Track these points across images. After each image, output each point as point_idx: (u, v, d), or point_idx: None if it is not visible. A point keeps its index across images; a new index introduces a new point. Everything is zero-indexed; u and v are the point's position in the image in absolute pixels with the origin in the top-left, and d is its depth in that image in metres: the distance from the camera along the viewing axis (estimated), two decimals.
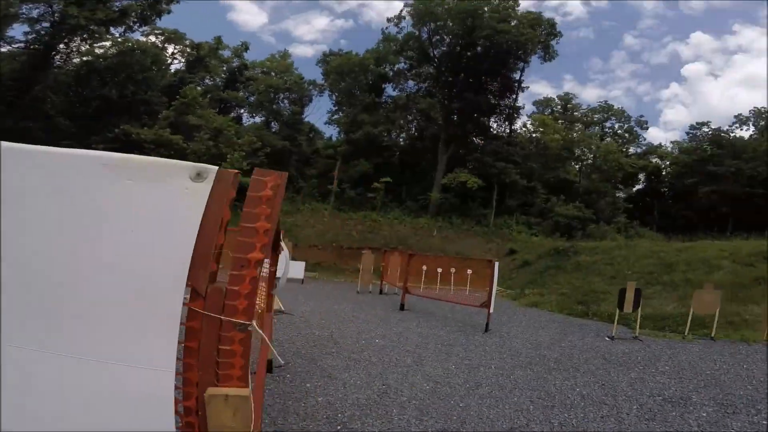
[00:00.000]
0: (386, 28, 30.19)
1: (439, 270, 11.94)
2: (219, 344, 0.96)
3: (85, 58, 24.59)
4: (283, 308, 8.73)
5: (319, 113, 42.20)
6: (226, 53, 33.05)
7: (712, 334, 7.60)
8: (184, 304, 0.93)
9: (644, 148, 37.35)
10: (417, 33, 28.09)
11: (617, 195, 32.67)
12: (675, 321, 8.50)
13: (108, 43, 25.09)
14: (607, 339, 7.63)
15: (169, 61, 30.90)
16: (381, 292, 13.47)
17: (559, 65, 70.22)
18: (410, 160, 31.68)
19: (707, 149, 32.28)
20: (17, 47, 21.95)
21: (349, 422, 3.57)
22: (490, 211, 26.22)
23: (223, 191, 0.93)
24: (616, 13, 65.24)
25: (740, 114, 34.53)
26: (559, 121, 30.97)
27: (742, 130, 33.85)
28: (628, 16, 66.29)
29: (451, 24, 26.83)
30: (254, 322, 0.98)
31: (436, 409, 3.98)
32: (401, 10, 29.22)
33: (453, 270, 12.32)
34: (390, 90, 32.59)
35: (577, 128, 31.97)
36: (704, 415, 3.95)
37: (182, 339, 0.97)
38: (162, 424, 0.92)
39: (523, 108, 33.14)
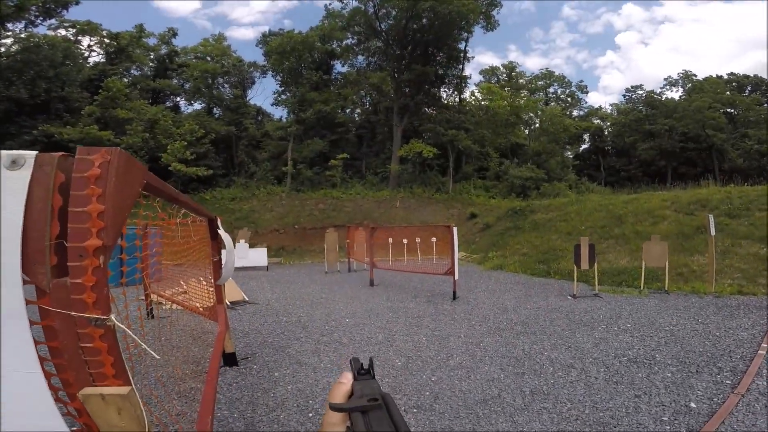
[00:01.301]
0: (330, 4, 29.29)
1: (405, 241, 11.91)
2: (80, 342, 0.92)
3: None
4: (246, 298, 8.38)
5: (264, 95, 40.59)
6: (152, 41, 30.43)
7: (666, 288, 7.94)
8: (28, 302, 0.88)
9: (586, 110, 39.95)
10: (363, 8, 27.17)
11: (566, 155, 34.54)
12: (630, 275, 8.89)
13: (9, 41, 22.03)
14: (569, 298, 7.89)
15: (86, 54, 27.78)
16: (350, 270, 13.31)
17: (503, 36, 72.26)
18: (367, 134, 31.21)
19: (642, 110, 34.97)
20: None
21: (322, 408, 3.43)
22: (448, 179, 26.54)
23: (46, 177, 0.87)
24: None
25: (670, 77, 37.10)
26: (506, 89, 31.74)
27: (672, 91, 36.49)
28: None
29: None
30: (113, 316, 0.93)
31: (409, 385, 3.90)
32: None
33: (418, 240, 12.35)
34: (339, 67, 31.84)
35: (522, 95, 32.95)
36: (669, 375, 3.91)
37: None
38: (48, 425, 0.90)
39: (470, 78, 33.72)
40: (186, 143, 23.85)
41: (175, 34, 30.96)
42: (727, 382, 3.66)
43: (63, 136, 21.00)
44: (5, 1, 19.83)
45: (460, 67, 30.41)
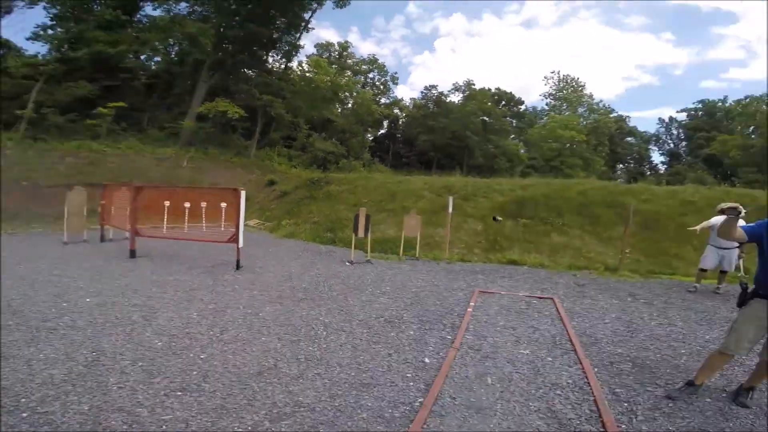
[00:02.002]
0: None
1: (187, 205, 10.54)
2: None
3: None
4: None
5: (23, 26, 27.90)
6: None
7: (417, 255, 9.83)
8: None
9: (391, 100, 45.01)
10: None
11: (367, 136, 38.23)
12: (395, 244, 10.55)
13: None
14: (347, 264, 8.78)
15: None
16: (102, 239, 10.82)
17: (350, 17, 73.40)
18: (162, 86, 25.86)
19: (430, 107, 42.21)
20: None
21: (41, 405, 2.81)
22: (252, 143, 25.04)
23: None
24: None
25: (456, 82, 45.99)
26: (333, 66, 32.26)
27: (456, 95, 45.19)
28: None
29: None
30: None
31: (171, 366, 3.52)
32: None
33: (204, 204, 11.16)
34: (150, 10, 25.21)
35: (347, 75, 34.26)
36: (412, 333, 4.54)
37: None
38: None
39: (303, 47, 32.64)
40: None
41: None
42: (449, 337, 4.45)
43: None
44: None
45: (297, 35, 29.00)
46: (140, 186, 9.49)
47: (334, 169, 24.32)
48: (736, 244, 6.84)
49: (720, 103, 48.77)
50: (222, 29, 25.18)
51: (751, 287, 3.15)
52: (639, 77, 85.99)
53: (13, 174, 16.65)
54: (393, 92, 46.26)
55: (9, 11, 22.11)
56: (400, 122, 45.26)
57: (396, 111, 44.88)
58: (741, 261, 7.34)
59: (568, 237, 10.69)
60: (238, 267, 7.93)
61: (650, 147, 56.39)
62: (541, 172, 30.85)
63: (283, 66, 30.88)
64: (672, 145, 55.75)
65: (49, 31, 22.39)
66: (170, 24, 24.26)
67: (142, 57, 25.37)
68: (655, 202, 12.11)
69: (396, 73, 46.05)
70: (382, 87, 43.83)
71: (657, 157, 57.15)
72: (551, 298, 6.27)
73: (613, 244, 10.29)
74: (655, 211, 11.52)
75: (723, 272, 7.10)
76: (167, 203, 10.24)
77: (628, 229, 8.61)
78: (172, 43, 26.74)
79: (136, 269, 7.47)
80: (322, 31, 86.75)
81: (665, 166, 53.01)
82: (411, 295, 6.31)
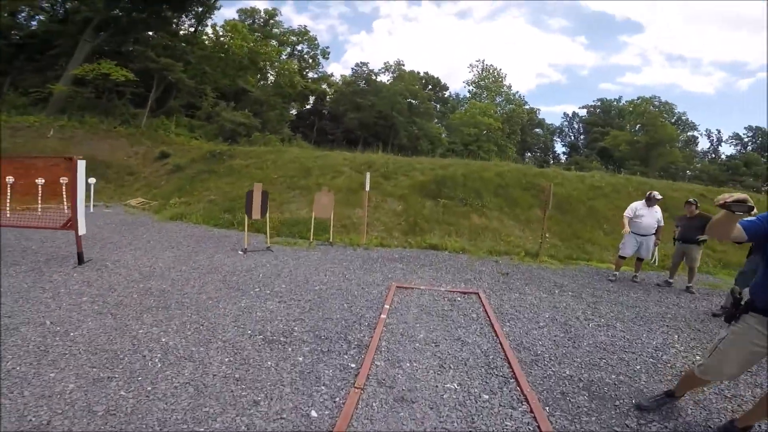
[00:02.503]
0: None
1: (10, 179, 7.80)
2: None
3: None
4: None
5: None
6: None
7: (330, 240, 8.43)
8: None
9: (320, 74, 42.02)
10: None
11: (290, 111, 35.32)
12: (305, 226, 9.05)
13: None
14: (240, 253, 7.10)
15: None
16: None
17: None
18: (35, 45, 20.28)
19: (359, 85, 40.26)
20: None
21: None
22: (142, 111, 21.04)
23: None
24: None
25: (387, 62, 44.34)
26: (257, 34, 28.47)
27: (386, 75, 43.74)
28: None
29: None
30: None
31: None
32: None
33: (42, 181, 8.43)
34: None
35: (271, 44, 30.53)
36: (300, 359, 3.28)
37: None
38: None
39: (219, 9, 28.34)
40: None
41: None
42: (352, 366, 3.22)
43: None
44: None
45: None
46: None
47: (243, 142, 21.51)
48: (653, 231, 6.67)
49: (615, 102, 54.62)
50: None
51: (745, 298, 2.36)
52: (550, 75, 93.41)
53: None
54: (323, 67, 43.59)
55: None
56: (327, 98, 42.75)
57: (324, 87, 42.15)
58: (656, 249, 7.27)
59: (488, 219, 10.21)
60: (80, 261, 5.84)
61: (554, 138, 61.65)
62: (459, 156, 31.39)
63: (192, 29, 26.75)
64: (572, 138, 61.55)
65: None
66: None
67: (21, 15, 19.62)
68: (566, 186, 12.29)
69: (327, 47, 43.02)
70: (311, 60, 40.78)
71: (559, 148, 62.81)
72: (476, 293, 5.40)
73: (531, 227, 10.03)
74: (567, 195, 11.65)
75: (640, 260, 6.92)
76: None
77: (547, 212, 8.21)
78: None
79: None
80: (258, 2, 79.18)
81: (566, 156, 58.38)
82: (312, 296, 4.96)
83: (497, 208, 10.79)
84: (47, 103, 19.26)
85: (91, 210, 11.98)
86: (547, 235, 8.62)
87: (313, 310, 4.46)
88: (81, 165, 5.79)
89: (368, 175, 8.66)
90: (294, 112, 39.30)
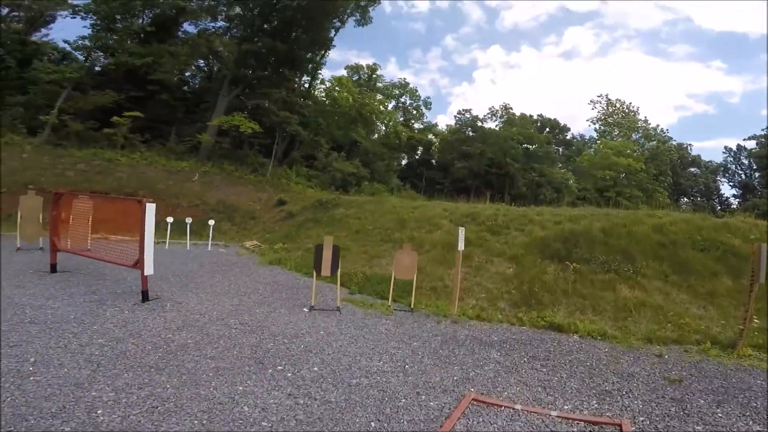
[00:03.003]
0: None
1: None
2: None
3: None
4: None
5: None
6: None
7: (412, 305, 6.96)
8: None
9: (426, 125, 42.48)
10: None
11: (401, 161, 36.27)
12: (388, 285, 7.80)
13: None
14: (304, 310, 6.23)
15: None
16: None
17: (387, 49, 74.70)
18: (192, 99, 25.86)
19: (465, 132, 39.45)
20: None
21: None
22: (268, 161, 23.67)
23: None
24: (446, 14, 76.52)
25: (493, 107, 43.01)
26: (363, 87, 31.32)
27: (493, 121, 42.34)
28: (454, 19, 77.65)
29: None
30: None
31: None
32: None
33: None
34: (188, 26, 25.98)
35: (378, 97, 32.98)
36: None
37: None
38: None
39: (325, 64, 32.45)
40: None
41: None
42: None
43: None
44: None
45: (322, 53, 28.38)
46: (60, 192, 7.66)
47: (353, 191, 22.11)
48: None
49: None
50: (242, 44, 24.88)
51: None
52: (692, 106, 78.33)
53: (24, 178, 16.10)
54: (427, 118, 43.92)
55: (48, 20, 22.93)
56: (434, 148, 42.80)
57: (430, 137, 42.44)
58: None
59: (645, 291, 7.33)
60: (144, 299, 5.70)
61: (718, 178, 49.46)
62: (593, 204, 26.99)
63: (307, 84, 30.15)
64: (743, 176, 48.47)
65: (86, 42, 22.89)
66: (198, 39, 24.21)
67: (174, 71, 25.23)
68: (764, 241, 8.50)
69: (429, 97, 44.05)
70: (414, 112, 42.07)
71: (726, 190, 49.91)
72: (618, 425, 3.26)
73: (717, 303, 6.86)
74: None
75: None
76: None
77: (756, 285, 5.29)
78: (203, 60, 26.76)
79: (35, 286, 5.80)
80: (362, 60, 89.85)
81: (738, 199, 45.84)
82: (340, 394, 3.55)
83: (659, 275, 7.77)
84: (199, 151, 23.01)
85: (209, 248, 13.04)
86: (755, 319, 5.58)
87: (323, 421, 3.07)
88: (150, 208, 5.76)
89: (461, 231, 7.05)
90: (404, 162, 39.89)
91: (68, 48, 23.86)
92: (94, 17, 22.60)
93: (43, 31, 23.93)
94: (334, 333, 5.25)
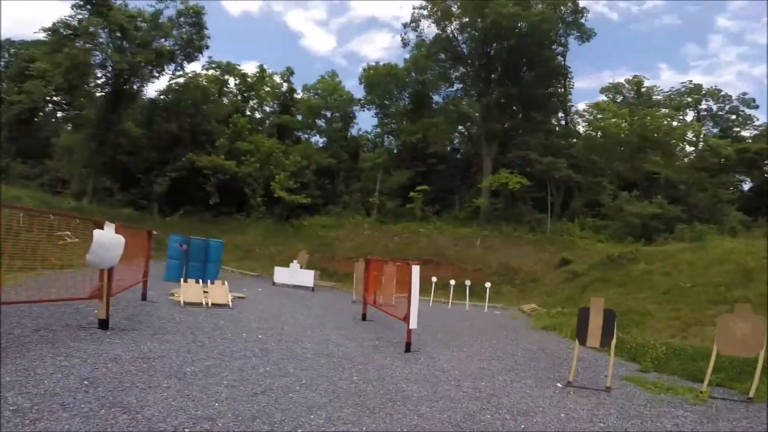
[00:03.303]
0: (404, 33, 28.74)
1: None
2: None
3: (148, 97, 29.01)
4: (229, 304, 8.84)
5: (367, 127, 42.38)
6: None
7: (751, 393, 4.48)
8: None
9: (758, 131, 27.72)
10: (442, 34, 26.41)
11: (740, 186, 25.31)
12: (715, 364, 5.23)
13: (164, 84, 29.06)
14: (558, 386, 5.12)
15: (229, 91, 34.01)
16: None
17: (650, 54, 60.61)
18: (461, 165, 29.46)
19: None
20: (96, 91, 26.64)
21: None
22: (545, 216, 22.44)
23: None
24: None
25: None
26: (634, 106, 25.69)
27: None
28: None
29: (466, 18, 24.92)
30: None
31: None
32: (413, 13, 27.98)
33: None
34: (437, 98, 31.28)
35: (662, 113, 25.90)
36: None
37: None
38: None
39: (571, 93, 29.29)
40: (290, 173, 26.33)
41: (292, 73, 34.70)
42: None
43: (200, 163, 25.91)
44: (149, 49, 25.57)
45: (563, 83, 26.60)
46: (368, 259, 10.07)
47: (663, 239, 17.09)
48: None
49: None
50: (480, 99, 25.51)
51: None
52: None
53: (364, 250, 22.26)
54: (755, 119, 29.05)
55: (352, 116, 32.08)
56: None
57: None
58: None
59: None
60: (407, 350, 6.41)
61: None
62: None
63: (563, 122, 27.23)
64: None
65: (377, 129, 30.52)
66: (447, 106, 27.17)
67: (440, 142, 28.88)
68: None
69: (745, 93, 29.12)
70: (733, 117, 29.06)
71: None
72: None
73: None
74: None
75: None
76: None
77: None
78: (459, 126, 29.38)
79: (349, 328, 7.60)
80: (616, 77, 72.25)
81: None
82: None
83: None
84: (478, 214, 24.67)
85: (485, 310, 13.35)
86: None
87: None
88: (415, 270, 6.59)
89: None
90: (747, 186, 27.04)
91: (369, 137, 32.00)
92: (375, 107, 30.10)
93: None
94: (580, 418, 3.96)
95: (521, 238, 21.31)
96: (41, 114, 28.63)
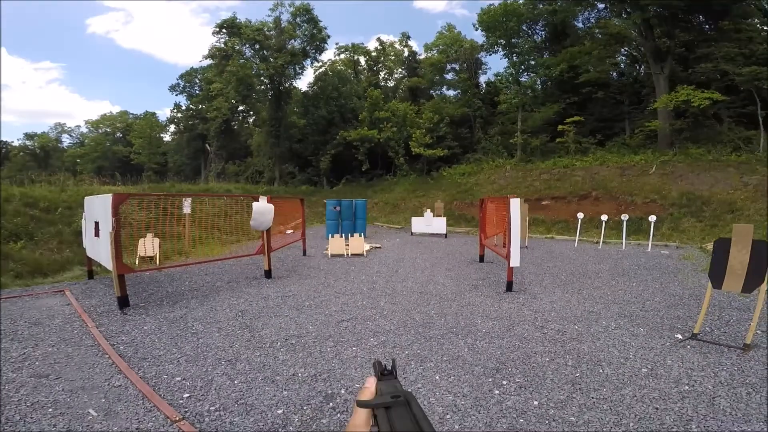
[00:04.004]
0: None
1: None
2: None
3: (302, 91, 33.51)
4: (364, 253, 9.99)
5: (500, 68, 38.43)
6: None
7: None
8: None
9: None
10: None
11: None
12: None
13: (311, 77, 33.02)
14: (677, 337, 4.23)
15: (362, 68, 36.66)
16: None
17: None
18: (628, 88, 24.09)
19: None
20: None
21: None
22: (755, 133, 16.32)
23: None
24: None
25: None
26: None
27: None
28: None
29: None
30: None
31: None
32: None
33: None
34: (579, 24, 25.91)
35: None
36: None
37: None
38: None
39: None
40: (425, 130, 27.09)
41: (408, 37, 35.41)
42: None
43: (351, 136, 29.21)
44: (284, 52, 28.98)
45: None
46: (483, 199, 9.77)
47: None
48: None
49: None
50: (633, 14, 19.18)
51: None
52: None
53: (507, 191, 21.46)
54: None
55: (478, 63, 29.15)
56: None
57: None
58: None
59: None
60: (508, 288, 6.39)
61: None
62: None
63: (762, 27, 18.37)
64: None
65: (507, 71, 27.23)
66: (594, 28, 21.56)
67: (590, 69, 23.85)
68: None
69: None
70: None
71: None
72: None
73: None
74: None
75: None
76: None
77: None
78: (610, 48, 23.36)
79: (446, 271, 8.02)
80: None
81: None
82: None
83: None
84: (656, 140, 20.02)
85: (648, 249, 11.21)
86: None
87: None
88: (514, 203, 6.19)
89: None
90: None
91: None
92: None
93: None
94: (668, 377, 3.27)
95: (718, 161, 16.24)
96: (234, 123, 36.85)
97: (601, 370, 3.45)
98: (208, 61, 32.15)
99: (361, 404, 0.54)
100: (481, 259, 9.30)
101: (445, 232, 15.00)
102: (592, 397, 2.98)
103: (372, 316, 4.97)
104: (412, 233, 15.66)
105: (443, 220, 15.40)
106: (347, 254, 10.26)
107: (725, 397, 2.94)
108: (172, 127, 45.14)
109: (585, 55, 23.20)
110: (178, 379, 3.39)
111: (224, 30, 29.68)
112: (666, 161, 17.71)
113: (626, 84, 24.37)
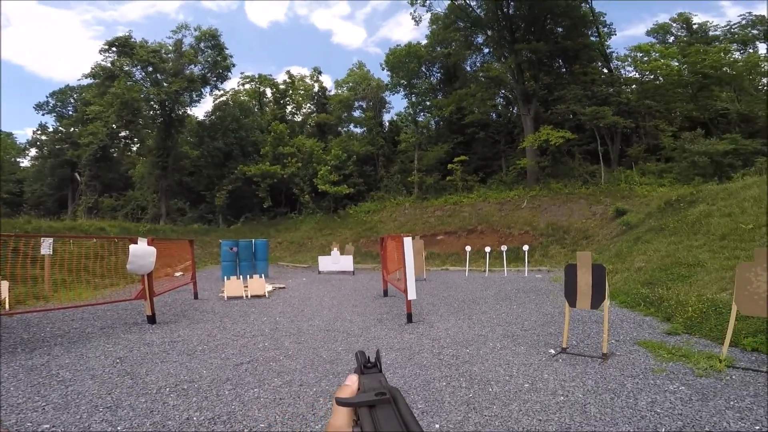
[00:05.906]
0: (414, 10, 27.03)
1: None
2: None
3: (198, 119, 31.68)
4: (266, 295, 9.67)
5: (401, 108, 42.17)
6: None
7: None
8: None
9: None
10: (454, 2, 24.78)
11: None
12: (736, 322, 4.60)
13: (210, 106, 31.63)
14: (551, 352, 4.93)
15: (268, 100, 36.31)
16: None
17: None
18: (504, 129, 28.12)
19: None
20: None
21: None
22: (598, 168, 20.58)
23: None
24: None
25: None
26: (693, 45, 22.31)
27: None
28: None
29: None
30: None
31: None
32: None
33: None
34: (468, 68, 30.01)
35: (718, 47, 21.99)
36: None
37: None
38: None
39: (609, 39, 26.88)
40: (331, 167, 27.38)
41: (320, 72, 36.18)
42: None
43: (249, 172, 27.93)
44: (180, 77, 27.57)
45: (597, 30, 24.45)
46: (383, 237, 10.22)
47: (740, 177, 14.75)
48: None
49: None
50: (504, 59, 23.78)
51: None
52: None
53: (407, 228, 22.60)
54: None
55: (382, 102, 31.93)
56: None
57: None
58: None
59: None
60: (409, 320, 6.65)
61: None
62: None
63: (605, 69, 24.87)
64: None
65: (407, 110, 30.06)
66: (475, 74, 25.77)
67: (474, 111, 27.48)
68: None
69: None
70: None
71: None
72: None
73: None
74: None
75: None
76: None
77: None
78: (492, 92, 27.75)
79: (352, 307, 8.02)
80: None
81: None
82: None
83: None
84: (525, 177, 23.52)
85: (525, 275, 12.85)
86: None
87: None
88: (407, 242, 6.60)
89: None
90: None
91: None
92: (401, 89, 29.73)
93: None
94: (544, 389, 3.78)
95: (572, 194, 19.83)
96: (113, 150, 32.61)
97: (490, 389, 3.78)
98: (89, 81, 28.43)
99: (341, 402, 0.46)
100: (385, 293, 9.58)
101: (352, 269, 15.11)
102: (485, 415, 3.24)
103: (275, 357, 4.69)
104: (319, 272, 15.40)
105: (350, 257, 15.53)
106: (246, 296, 9.61)
107: (594, 404, 3.41)
108: (33, 151, 38.27)
109: (470, 97, 26.49)
110: (47, 426, 3.10)
111: (114, 48, 26.79)
112: (534, 195, 20.87)
113: (502, 124, 28.35)
